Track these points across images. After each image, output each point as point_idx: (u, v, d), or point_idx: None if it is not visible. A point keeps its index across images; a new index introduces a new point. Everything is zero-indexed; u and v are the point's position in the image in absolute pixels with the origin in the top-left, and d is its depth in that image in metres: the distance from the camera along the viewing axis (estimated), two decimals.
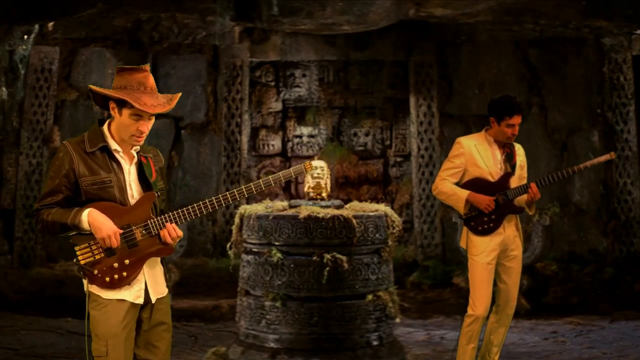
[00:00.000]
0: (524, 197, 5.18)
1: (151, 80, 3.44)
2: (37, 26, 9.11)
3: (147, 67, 3.47)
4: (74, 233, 3.40)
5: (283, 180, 3.60)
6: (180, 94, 3.55)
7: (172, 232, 3.44)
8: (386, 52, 10.32)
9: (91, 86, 3.46)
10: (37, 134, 9.61)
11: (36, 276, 9.05)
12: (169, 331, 3.57)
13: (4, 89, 9.11)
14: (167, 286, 3.59)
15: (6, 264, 9.30)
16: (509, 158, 5.21)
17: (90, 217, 3.34)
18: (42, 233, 3.50)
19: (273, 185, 3.57)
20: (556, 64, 10.13)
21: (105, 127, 3.48)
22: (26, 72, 9.45)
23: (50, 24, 9.39)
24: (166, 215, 3.46)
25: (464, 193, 5.11)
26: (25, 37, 9.07)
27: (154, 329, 3.53)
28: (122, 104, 3.38)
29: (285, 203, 5.63)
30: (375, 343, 5.44)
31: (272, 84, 10.57)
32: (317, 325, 5.33)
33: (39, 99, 9.63)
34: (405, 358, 5.68)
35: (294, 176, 3.62)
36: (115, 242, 3.34)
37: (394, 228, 5.52)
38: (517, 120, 5.11)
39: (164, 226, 3.44)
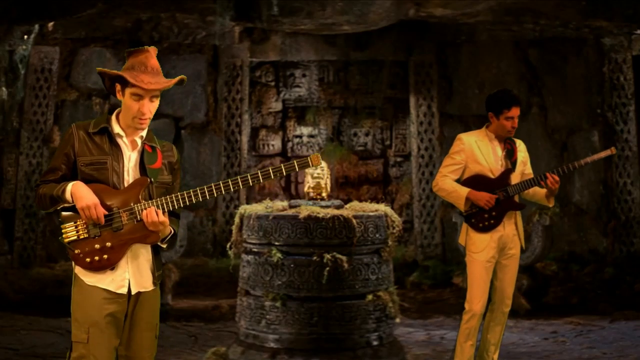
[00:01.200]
0: (542, 191, 5.17)
1: (152, 60, 3.45)
2: (37, 26, 9.11)
3: (151, 48, 3.49)
4: (61, 207, 3.40)
5: (285, 173, 3.47)
6: (181, 77, 3.54)
7: (153, 215, 3.36)
8: (386, 52, 10.32)
9: (98, 68, 3.50)
10: (37, 134, 9.61)
11: (36, 276, 9.05)
12: (151, 330, 3.52)
13: (4, 89, 9.11)
14: (155, 283, 3.52)
15: (6, 264, 9.30)
16: (510, 154, 5.21)
17: (74, 188, 3.35)
18: (38, 207, 3.54)
19: (272, 177, 3.46)
20: (556, 64, 10.13)
21: (113, 114, 3.51)
22: (26, 72, 9.45)
23: (50, 24, 9.39)
24: (154, 200, 3.42)
25: (464, 191, 5.12)
26: (25, 37, 9.07)
27: (136, 326, 3.48)
28: (124, 84, 3.40)
29: (285, 203, 5.63)
30: (375, 343, 5.44)
31: (272, 84, 10.58)
32: (317, 325, 5.32)
33: (39, 99, 9.63)
34: (405, 358, 5.68)
35: (298, 169, 3.47)
36: (94, 213, 3.32)
37: (394, 228, 5.52)
38: (515, 112, 5.12)
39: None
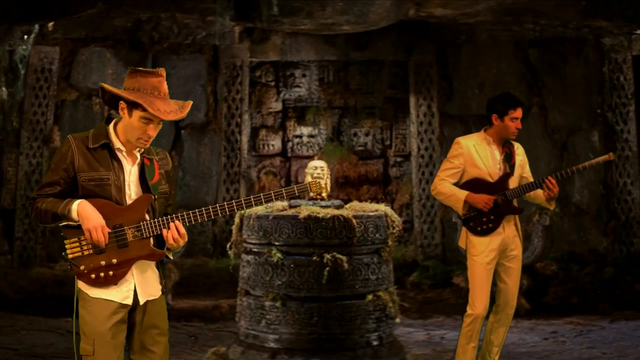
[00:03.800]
0: (542, 195, 5.16)
1: (165, 86, 3.42)
2: (37, 26, 9.11)
3: (163, 71, 3.44)
4: (63, 224, 3.39)
5: (285, 198, 3.59)
6: (191, 103, 3.51)
7: (174, 232, 3.41)
8: (386, 52, 10.32)
9: (103, 84, 3.45)
10: (37, 134, 9.61)
11: (36, 276, 9.05)
12: (164, 335, 3.53)
13: (4, 89, 9.11)
14: (162, 291, 3.54)
15: (6, 264, 9.30)
16: (508, 158, 5.20)
17: (80, 208, 3.32)
18: (35, 221, 3.50)
19: (274, 200, 3.56)
20: (556, 64, 10.13)
21: (111, 125, 3.47)
22: (26, 72, 9.45)
23: (50, 24, 9.40)
24: (161, 218, 3.43)
25: (463, 194, 5.11)
26: (25, 37, 9.07)
27: (148, 333, 3.49)
28: (133, 105, 3.36)
29: (285, 203, 5.63)
30: (375, 343, 5.44)
31: (272, 84, 10.58)
32: (317, 325, 5.32)
33: (39, 99, 9.63)
34: (405, 358, 5.68)
35: (297, 194, 3.59)
36: (100, 236, 3.31)
37: (394, 228, 5.52)
38: (520, 113, 5.12)
39: (158, 229, 3.41)
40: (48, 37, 9.60)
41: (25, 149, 9.57)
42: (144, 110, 3.33)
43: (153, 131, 3.39)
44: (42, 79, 9.65)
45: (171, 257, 3.58)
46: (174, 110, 3.39)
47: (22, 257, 9.43)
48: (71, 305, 3.46)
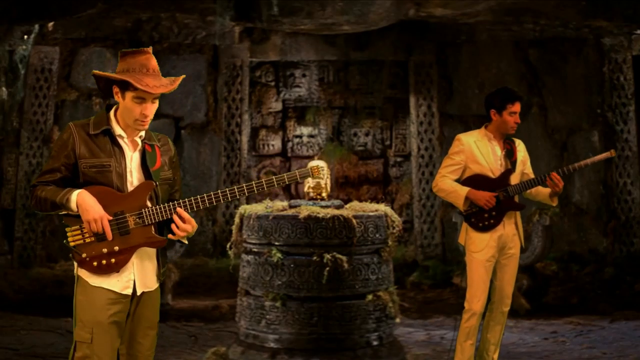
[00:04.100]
0: (546, 191, 5.17)
1: (153, 62, 3.41)
2: (37, 26, 9.12)
3: (150, 49, 3.44)
4: (63, 213, 3.37)
5: (287, 182, 3.57)
6: (183, 76, 3.51)
7: (177, 220, 3.38)
8: (386, 52, 10.32)
9: (95, 71, 3.45)
10: (37, 134, 9.61)
11: (36, 276, 9.05)
12: (153, 328, 3.52)
13: (4, 89, 9.11)
14: (158, 279, 3.52)
15: (6, 264, 9.30)
16: (509, 154, 5.21)
17: (79, 198, 3.30)
18: (34, 209, 3.46)
19: (276, 186, 3.54)
20: (556, 64, 10.13)
21: (111, 112, 3.47)
22: (26, 72, 9.45)
23: (50, 24, 9.40)
24: (163, 205, 3.42)
25: (464, 190, 5.12)
26: (25, 37, 9.07)
27: (139, 325, 3.49)
28: (125, 87, 3.35)
29: (285, 203, 5.63)
30: (375, 343, 5.44)
31: (272, 84, 10.58)
32: (317, 325, 5.32)
33: (39, 99, 9.63)
34: (405, 358, 5.68)
35: (299, 180, 3.58)
36: (100, 228, 3.30)
37: (394, 228, 5.52)
38: (518, 107, 5.13)
39: (160, 216, 3.39)
40: (48, 37, 9.60)
41: (25, 149, 9.57)
42: (135, 88, 3.32)
43: (148, 110, 3.38)
44: (42, 79, 9.65)
45: (186, 242, 3.56)
46: (164, 84, 3.38)
47: (22, 257, 9.43)
48: (71, 305, 3.45)
